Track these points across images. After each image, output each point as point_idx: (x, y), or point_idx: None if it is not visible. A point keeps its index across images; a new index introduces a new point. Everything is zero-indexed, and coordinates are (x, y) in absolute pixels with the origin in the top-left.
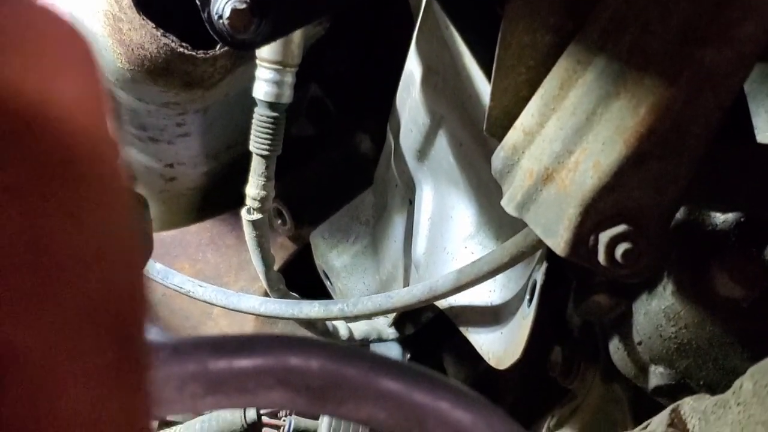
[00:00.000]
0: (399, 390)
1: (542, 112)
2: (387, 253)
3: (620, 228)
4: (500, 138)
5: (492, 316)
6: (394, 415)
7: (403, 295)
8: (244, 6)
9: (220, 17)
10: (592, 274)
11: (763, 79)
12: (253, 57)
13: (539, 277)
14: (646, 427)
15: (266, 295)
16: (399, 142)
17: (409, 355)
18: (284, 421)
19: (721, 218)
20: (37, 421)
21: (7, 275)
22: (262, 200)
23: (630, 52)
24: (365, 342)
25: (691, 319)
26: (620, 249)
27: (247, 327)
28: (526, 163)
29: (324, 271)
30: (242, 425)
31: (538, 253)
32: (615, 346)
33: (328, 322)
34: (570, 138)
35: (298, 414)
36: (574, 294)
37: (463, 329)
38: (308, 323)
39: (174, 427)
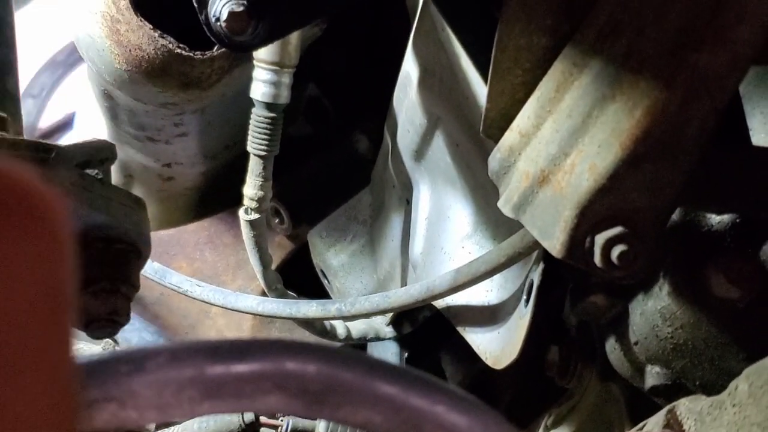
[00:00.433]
0: (395, 394)
1: (538, 114)
2: (384, 253)
3: (616, 230)
4: (497, 139)
5: (489, 315)
6: (390, 419)
7: (401, 295)
8: (241, 8)
9: (218, 19)
10: (589, 275)
11: (759, 82)
12: (250, 58)
13: (536, 277)
14: (642, 428)
15: (264, 294)
16: (396, 143)
17: (406, 355)
18: (282, 421)
19: (716, 219)
20: None
21: None
22: (260, 200)
23: (626, 55)
24: (363, 341)
25: (687, 320)
26: (616, 251)
27: (245, 326)
28: (522, 165)
29: (321, 270)
30: (240, 425)
31: (535, 254)
32: (611, 346)
33: (325, 322)
34: (566, 140)
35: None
36: (571, 294)
37: (460, 329)
38: (306, 323)
39: (172, 428)
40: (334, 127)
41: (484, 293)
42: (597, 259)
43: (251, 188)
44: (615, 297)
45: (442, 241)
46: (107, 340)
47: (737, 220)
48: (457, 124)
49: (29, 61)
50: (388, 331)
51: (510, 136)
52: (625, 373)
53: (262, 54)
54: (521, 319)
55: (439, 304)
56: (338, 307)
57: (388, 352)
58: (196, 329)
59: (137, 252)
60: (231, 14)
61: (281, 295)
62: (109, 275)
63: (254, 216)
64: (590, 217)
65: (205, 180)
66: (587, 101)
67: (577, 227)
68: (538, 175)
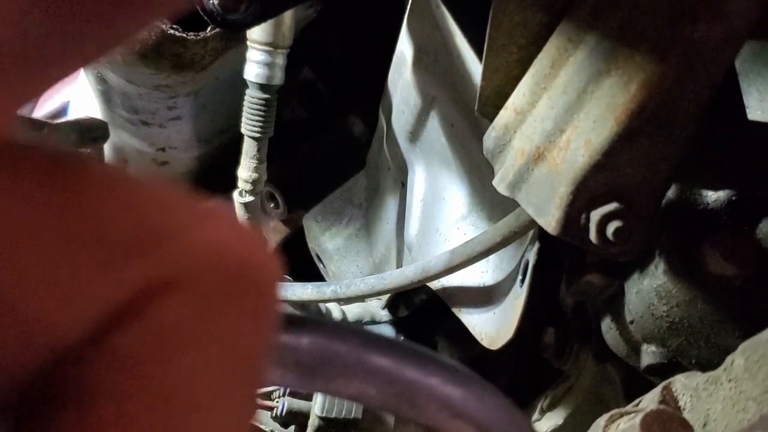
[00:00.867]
0: (389, 366)
1: (533, 92)
2: (380, 236)
3: (611, 206)
4: (492, 118)
5: (485, 296)
6: (384, 391)
7: (396, 277)
8: None
9: None
10: (585, 254)
11: (754, 57)
12: (244, 39)
13: (531, 257)
14: (637, 404)
15: None
16: (391, 124)
17: (402, 338)
18: (277, 402)
19: (712, 196)
20: None
21: None
22: (254, 182)
23: (620, 29)
24: (358, 324)
25: (683, 298)
26: (611, 227)
27: None
28: (517, 143)
29: (317, 254)
30: None
31: (531, 233)
32: (607, 326)
33: (321, 305)
34: (561, 117)
35: (291, 395)
36: (567, 274)
37: (455, 310)
38: (301, 305)
39: None
40: (328, 110)
41: (480, 274)
42: (592, 235)
43: (245, 170)
44: (610, 276)
45: (437, 222)
46: None
47: (733, 198)
48: (452, 103)
49: None
50: (384, 314)
51: (505, 114)
52: (621, 352)
53: (256, 34)
54: (516, 299)
55: (435, 285)
56: (333, 289)
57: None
58: None
59: None
60: None
61: None
62: None
63: (248, 198)
64: (585, 193)
65: (200, 164)
66: (582, 77)
67: (573, 204)
68: (534, 153)
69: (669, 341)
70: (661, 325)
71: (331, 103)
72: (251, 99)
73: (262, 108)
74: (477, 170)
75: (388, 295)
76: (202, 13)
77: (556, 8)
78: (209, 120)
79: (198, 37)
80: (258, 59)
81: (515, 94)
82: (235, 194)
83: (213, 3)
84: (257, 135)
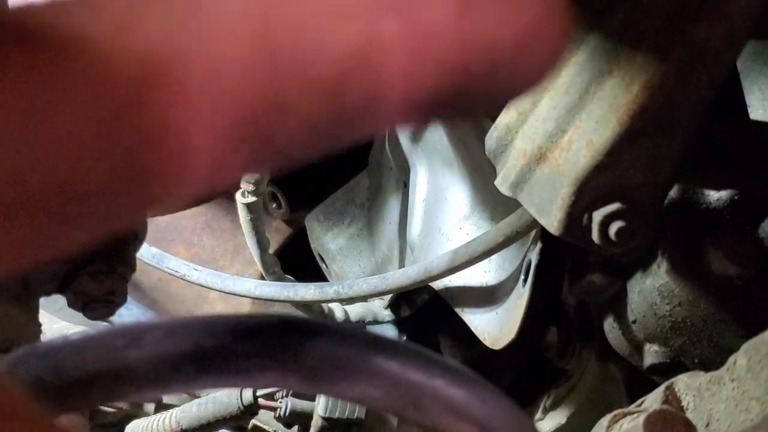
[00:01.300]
0: (393, 368)
1: (535, 92)
2: (382, 236)
3: (614, 206)
4: (493, 118)
5: (487, 296)
6: (388, 394)
7: (399, 277)
8: None
9: None
10: (587, 254)
11: (756, 56)
12: None
13: (534, 257)
14: (640, 404)
15: (262, 278)
16: None
17: (405, 338)
18: (281, 403)
19: (714, 196)
20: None
21: None
22: (257, 183)
23: (622, 30)
24: (361, 324)
25: (686, 297)
26: (614, 227)
27: (243, 310)
28: (519, 143)
29: (319, 254)
30: (239, 407)
31: (533, 233)
32: (610, 325)
33: (324, 305)
34: (563, 117)
35: (294, 395)
36: (569, 274)
37: (458, 310)
38: (304, 306)
39: (171, 410)
40: None
41: (482, 274)
42: (595, 235)
43: None
44: (613, 275)
45: (439, 222)
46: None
47: (735, 198)
48: None
49: None
50: (387, 314)
51: (507, 114)
52: (624, 352)
53: None
54: (519, 299)
55: (437, 285)
56: (336, 290)
57: (387, 335)
58: (194, 314)
59: (133, 233)
60: None
61: (279, 279)
62: (105, 256)
63: (251, 199)
64: (588, 193)
65: None
66: (584, 77)
67: (575, 204)
68: (536, 153)
69: (671, 341)
70: (664, 324)
71: None
72: None
73: None
74: (479, 170)
75: (391, 295)
76: None
77: None
78: None
79: None
80: None
81: None
82: (238, 195)
83: None
84: None
